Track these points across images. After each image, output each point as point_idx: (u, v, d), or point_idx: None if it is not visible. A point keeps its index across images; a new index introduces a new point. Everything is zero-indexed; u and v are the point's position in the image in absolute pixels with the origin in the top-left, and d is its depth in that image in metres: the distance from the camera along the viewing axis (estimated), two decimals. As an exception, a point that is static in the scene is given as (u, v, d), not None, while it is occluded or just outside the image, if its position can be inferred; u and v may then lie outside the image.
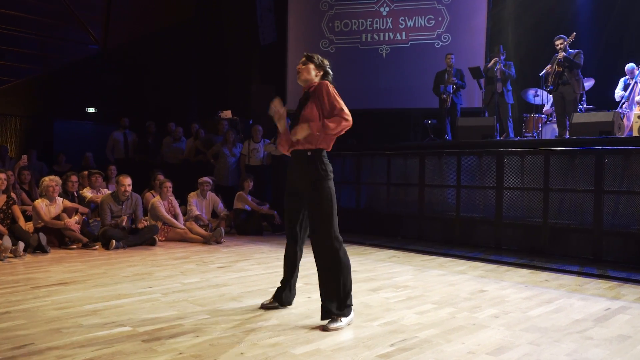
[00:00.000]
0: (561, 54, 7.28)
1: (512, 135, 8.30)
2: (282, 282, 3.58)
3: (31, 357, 2.58)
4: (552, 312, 3.62)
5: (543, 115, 8.46)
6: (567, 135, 7.10)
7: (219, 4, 12.35)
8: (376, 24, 10.67)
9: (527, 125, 8.14)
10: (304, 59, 3.41)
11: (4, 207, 6.09)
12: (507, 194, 6.40)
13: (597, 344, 2.95)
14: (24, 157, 7.39)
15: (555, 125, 8.04)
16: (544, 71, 7.88)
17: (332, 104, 3.26)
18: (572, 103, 7.32)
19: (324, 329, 3.07)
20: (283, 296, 3.56)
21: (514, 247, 6.21)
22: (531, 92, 8.65)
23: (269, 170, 8.72)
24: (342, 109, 3.24)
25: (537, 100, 8.52)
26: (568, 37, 7.31)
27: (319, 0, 10.94)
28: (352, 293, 3.28)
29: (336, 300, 3.18)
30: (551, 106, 8.71)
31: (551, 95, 8.60)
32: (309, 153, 3.29)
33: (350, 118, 3.24)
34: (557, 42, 7.39)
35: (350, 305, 3.23)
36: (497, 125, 8.35)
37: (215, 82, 12.23)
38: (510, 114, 8.36)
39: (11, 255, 5.42)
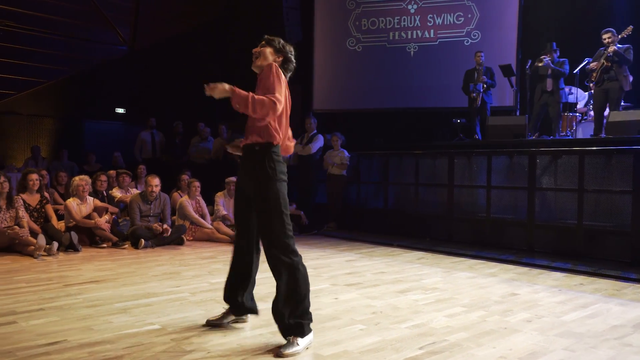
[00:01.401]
0: (612, 48, 6.98)
1: (557, 135, 8.02)
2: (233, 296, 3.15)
3: (64, 353, 2.65)
4: (588, 317, 3.54)
5: (577, 114, 8.26)
6: (604, 134, 6.92)
7: (245, 3, 12.45)
8: (404, 21, 10.60)
9: (562, 124, 7.96)
10: (262, 42, 3.03)
11: (38, 207, 6.27)
12: (540, 194, 6.28)
13: (636, 351, 2.87)
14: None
15: (590, 124, 7.85)
16: (579, 67, 7.70)
17: (269, 85, 2.82)
18: (615, 101, 7.07)
19: (277, 354, 2.66)
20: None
21: (547, 250, 6.09)
22: (566, 89, 8.46)
23: (296, 170, 8.75)
24: (277, 97, 2.79)
25: (572, 98, 8.32)
26: (618, 31, 7.03)
27: (346, -1, 10.92)
28: (379, 294, 3.23)
29: (292, 318, 2.77)
30: (585, 104, 8.51)
31: (586, 93, 8.41)
32: (256, 147, 2.88)
33: (278, 106, 2.79)
34: (605, 36, 7.07)
35: (309, 323, 2.82)
36: (539, 124, 8.18)
37: (241, 81, 12.30)
38: (562, 113, 7.99)
39: (45, 253, 5.57)
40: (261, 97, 2.78)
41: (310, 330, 2.82)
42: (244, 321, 3.22)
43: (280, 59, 3.00)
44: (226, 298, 3.17)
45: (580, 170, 5.87)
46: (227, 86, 2.82)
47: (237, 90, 2.80)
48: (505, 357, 2.73)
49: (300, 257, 2.90)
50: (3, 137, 10.19)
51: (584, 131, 8.02)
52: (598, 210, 5.78)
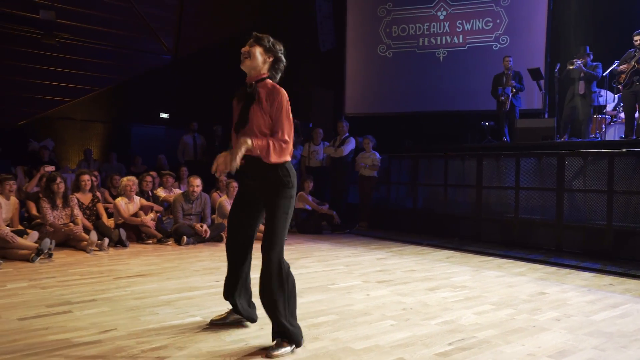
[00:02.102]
0: None
1: (586, 137, 7.78)
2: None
3: (114, 342, 2.72)
4: (618, 317, 3.42)
5: (607, 116, 8.01)
6: (634, 136, 6.68)
7: (281, 12, 12.55)
8: (433, 28, 10.49)
9: (591, 126, 7.73)
10: (251, 40, 2.76)
11: (90, 205, 6.47)
12: (568, 196, 6.12)
13: (666, 351, 2.77)
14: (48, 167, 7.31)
15: (618, 127, 7.60)
16: (610, 69, 7.46)
17: (280, 124, 2.65)
18: (645, 103, 6.84)
19: (267, 355, 2.54)
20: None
21: (576, 250, 5.92)
22: (597, 91, 8.20)
23: (328, 172, 8.77)
24: (287, 140, 2.64)
25: (601, 101, 8.07)
26: None
27: (377, 7, 10.88)
28: (410, 291, 3.19)
29: (289, 321, 2.65)
30: (615, 107, 8.25)
31: (616, 96, 8.14)
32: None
33: (290, 147, 2.69)
34: (637, 37, 6.81)
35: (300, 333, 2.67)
36: (568, 126, 7.96)
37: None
38: (592, 115, 7.76)
39: (97, 248, 5.74)
40: (278, 144, 2.62)
41: (300, 337, 2.65)
42: (252, 321, 3.05)
43: (271, 59, 2.76)
44: (226, 297, 3.01)
45: (609, 171, 5.69)
46: (244, 147, 2.57)
47: (256, 142, 2.59)
48: (534, 355, 2.67)
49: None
50: (59, 140, 10.54)
51: (614, 133, 7.76)
52: (628, 211, 5.59)
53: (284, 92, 2.70)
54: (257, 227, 2.95)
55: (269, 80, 2.77)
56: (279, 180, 2.69)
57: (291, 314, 2.68)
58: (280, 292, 2.63)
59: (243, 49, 2.77)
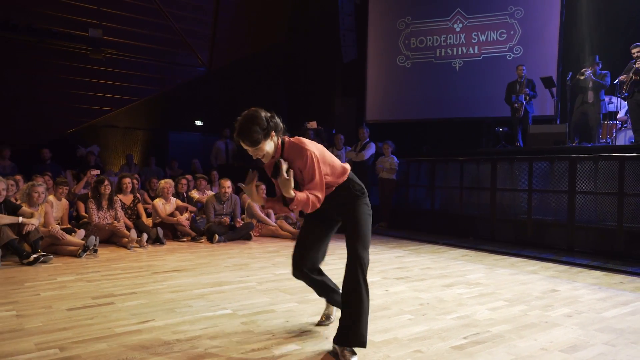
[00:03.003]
0: (639, 63, 6.63)
1: (597, 142, 7.58)
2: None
3: (152, 331, 2.77)
4: (628, 314, 3.32)
5: (617, 122, 7.79)
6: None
7: (307, 27, 12.60)
8: (450, 39, 10.38)
9: (602, 131, 7.53)
10: (246, 143, 2.40)
11: (131, 205, 6.59)
12: (580, 198, 5.97)
13: (676, 348, 2.67)
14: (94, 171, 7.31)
15: (629, 132, 7.39)
16: (618, 79, 7.29)
17: (314, 181, 2.47)
18: (648, 110, 6.67)
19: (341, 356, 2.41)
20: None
21: (587, 250, 5.76)
22: (606, 99, 8.00)
23: (350, 175, 8.74)
24: (321, 196, 2.49)
25: (611, 107, 7.85)
26: None
27: (397, 20, 10.83)
28: (426, 287, 3.15)
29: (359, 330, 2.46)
30: (626, 113, 8.02)
31: (626, 102, 7.93)
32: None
33: (322, 199, 2.50)
34: (635, 50, 6.72)
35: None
36: (578, 132, 7.79)
37: (302, 96, 12.50)
38: (601, 122, 7.57)
39: (137, 245, 5.84)
40: (315, 198, 2.45)
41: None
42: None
43: (273, 132, 2.44)
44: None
45: (620, 174, 5.53)
46: (292, 192, 2.41)
47: (298, 196, 2.42)
48: (547, 349, 2.61)
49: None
50: (103, 146, 10.79)
51: (624, 138, 7.55)
52: (638, 213, 5.42)
53: (308, 148, 2.47)
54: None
55: (286, 145, 2.52)
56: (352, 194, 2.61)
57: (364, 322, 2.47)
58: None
59: (253, 155, 2.48)
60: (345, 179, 2.62)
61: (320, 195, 2.48)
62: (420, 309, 3.33)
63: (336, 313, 2.92)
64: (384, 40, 10.98)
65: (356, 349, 2.45)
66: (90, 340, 2.60)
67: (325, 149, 2.64)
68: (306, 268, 2.73)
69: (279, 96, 12.99)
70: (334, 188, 2.60)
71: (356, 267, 2.48)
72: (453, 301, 3.57)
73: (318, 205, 2.49)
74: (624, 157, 5.55)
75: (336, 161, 2.63)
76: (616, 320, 3.15)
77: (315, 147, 2.52)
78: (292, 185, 2.41)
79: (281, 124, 2.50)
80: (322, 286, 2.82)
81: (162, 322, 2.94)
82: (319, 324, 2.96)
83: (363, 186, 2.69)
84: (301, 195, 2.43)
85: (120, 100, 11.19)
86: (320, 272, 2.82)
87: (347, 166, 2.68)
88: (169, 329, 2.81)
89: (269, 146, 2.46)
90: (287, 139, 2.55)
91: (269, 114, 2.46)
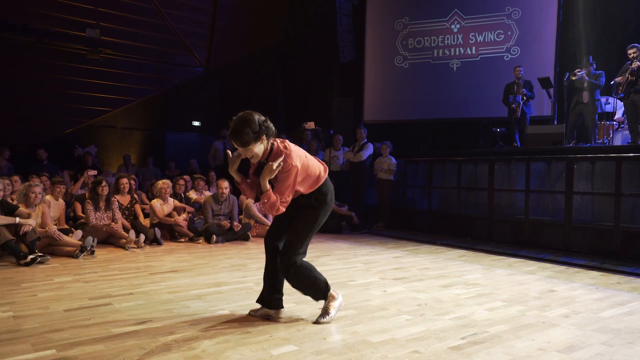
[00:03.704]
0: (635, 64, 6.66)
1: (593, 142, 7.62)
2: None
3: (150, 332, 2.76)
4: (625, 314, 3.33)
5: (614, 123, 7.81)
6: (640, 141, 6.52)
7: (304, 27, 12.61)
8: (447, 40, 10.40)
9: (599, 132, 7.55)
10: (237, 143, 2.60)
11: (129, 206, 6.58)
12: (577, 198, 5.98)
13: (673, 348, 2.68)
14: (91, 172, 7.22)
15: (626, 132, 7.41)
16: (615, 79, 7.31)
17: (284, 188, 2.72)
18: (644, 111, 6.70)
19: (316, 322, 2.93)
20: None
21: (584, 250, 5.78)
22: (602, 99, 8.03)
23: (348, 175, 8.75)
24: (287, 202, 2.75)
25: (608, 108, 7.88)
26: None
27: (394, 21, 10.84)
28: (424, 288, 3.16)
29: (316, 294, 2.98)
30: (623, 114, 8.05)
31: (622, 103, 7.96)
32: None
33: (282, 210, 2.77)
34: (631, 51, 6.75)
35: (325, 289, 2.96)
36: (575, 133, 7.82)
37: (299, 96, 12.50)
38: (597, 122, 7.61)
39: (134, 246, 5.83)
40: (280, 204, 2.71)
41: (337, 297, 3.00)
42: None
43: (263, 136, 2.62)
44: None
45: (617, 175, 5.55)
46: (267, 186, 2.67)
47: (271, 193, 2.67)
48: (544, 349, 2.61)
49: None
50: (101, 147, 10.76)
51: (621, 139, 7.57)
52: (635, 213, 5.44)
53: (293, 163, 2.67)
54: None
55: (274, 150, 2.71)
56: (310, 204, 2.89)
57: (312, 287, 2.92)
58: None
59: (242, 154, 2.69)
60: (312, 190, 2.85)
61: (285, 202, 2.74)
62: (418, 310, 3.33)
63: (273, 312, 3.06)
64: (381, 41, 10.99)
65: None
66: (88, 341, 2.59)
67: (309, 158, 2.86)
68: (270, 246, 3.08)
69: (276, 96, 12.98)
70: (298, 195, 2.85)
71: (284, 259, 2.87)
72: (451, 301, 3.58)
73: (282, 210, 2.74)
74: (621, 158, 5.56)
75: (313, 172, 2.83)
76: (613, 321, 3.16)
77: (299, 161, 2.73)
78: (271, 177, 2.66)
79: (273, 128, 2.67)
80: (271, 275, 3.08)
81: (159, 323, 2.93)
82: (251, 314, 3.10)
83: (327, 196, 2.89)
84: (273, 196, 2.68)
85: (117, 100, 11.17)
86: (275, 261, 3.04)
87: (323, 175, 2.88)
88: (166, 329, 2.80)
89: (258, 148, 2.64)
90: (276, 144, 2.73)
91: (262, 118, 2.63)
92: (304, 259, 2.93)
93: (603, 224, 5.70)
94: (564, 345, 2.68)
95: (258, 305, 3.13)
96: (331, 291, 3.02)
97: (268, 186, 2.69)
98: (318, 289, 2.95)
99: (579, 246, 5.85)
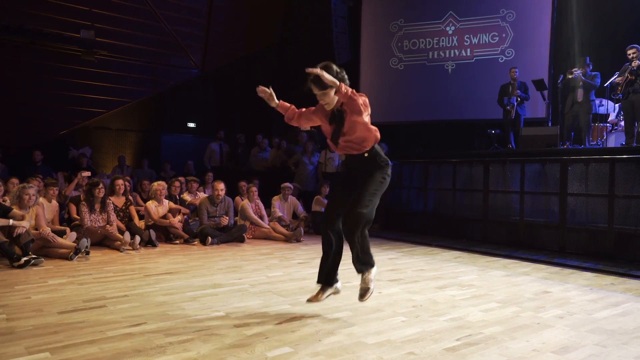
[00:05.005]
0: (635, 63, 6.68)
1: (587, 144, 7.67)
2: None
3: (145, 334, 2.75)
4: (619, 315, 3.34)
5: (608, 124, 7.86)
6: (635, 143, 6.55)
7: (300, 29, 12.62)
8: (442, 42, 10.43)
9: (592, 133, 7.60)
10: (318, 88, 2.89)
11: (123, 207, 6.55)
12: (571, 200, 6.01)
13: (666, 348, 2.70)
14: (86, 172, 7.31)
15: (619, 134, 7.46)
16: (609, 81, 7.36)
17: (358, 108, 2.93)
18: (642, 112, 6.73)
19: (362, 295, 3.01)
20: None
21: (579, 251, 5.81)
22: (596, 101, 8.07)
23: (344, 177, 8.73)
24: (362, 112, 2.94)
25: (602, 110, 7.93)
26: None
27: (390, 23, 10.87)
28: (419, 289, 3.18)
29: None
30: (616, 115, 8.10)
31: (616, 105, 8.02)
32: (365, 154, 3.04)
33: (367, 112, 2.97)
34: (630, 52, 6.77)
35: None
36: (572, 134, 7.86)
37: (295, 98, 12.48)
38: (592, 123, 7.66)
39: (129, 247, 5.81)
40: (349, 92, 2.84)
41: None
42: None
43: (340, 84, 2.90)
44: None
45: (611, 176, 5.58)
46: (332, 79, 2.78)
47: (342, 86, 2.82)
48: (539, 351, 2.62)
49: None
50: (96, 148, 10.71)
51: (615, 141, 7.62)
52: (629, 214, 5.47)
53: (356, 94, 2.89)
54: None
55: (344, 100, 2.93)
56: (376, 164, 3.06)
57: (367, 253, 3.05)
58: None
59: (319, 99, 2.96)
60: (374, 142, 3.03)
61: (360, 102, 2.86)
62: (414, 311, 3.34)
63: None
64: (377, 43, 11.01)
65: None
66: (82, 344, 2.57)
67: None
68: (331, 230, 3.16)
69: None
70: (365, 147, 3.01)
71: (354, 212, 2.93)
72: (446, 303, 3.58)
73: (358, 101, 2.85)
74: (615, 159, 5.60)
75: (372, 126, 3.04)
76: (607, 321, 3.17)
77: (366, 99, 2.96)
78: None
79: (347, 80, 2.97)
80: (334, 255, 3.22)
81: (154, 325, 2.92)
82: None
83: (387, 159, 3.14)
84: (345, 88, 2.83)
85: (112, 102, 11.13)
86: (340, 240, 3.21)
87: (378, 136, 3.08)
88: (161, 332, 2.79)
89: (333, 95, 2.91)
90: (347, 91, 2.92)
91: (339, 69, 2.96)
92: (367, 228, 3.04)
93: (597, 226, 5.73)
94: (559, 346, 2.69)
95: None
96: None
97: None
98: (371, 256, 3.09)
99: (574, 247, 5.88)
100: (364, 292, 3.01)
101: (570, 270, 5.00)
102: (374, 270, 3.09)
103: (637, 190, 5.39)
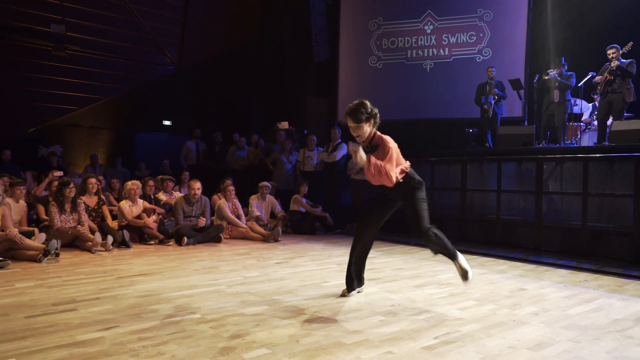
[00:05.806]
0: (615, 63, 6.85)
1: (562, 143, 7.84)
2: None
3: (117, 338, 2.70)
4: (592, 311, 3.43)
5: (582, 124, 8.05)
6: (607, 142, 6.73)
7: (278, 26, 12.57)
8: (421, 41, 10.54)
9: (567, 133, 7.77)
10: (352, 119, 3.35)
11: (96, 207, 6.42)
12: (547, 198, 6.14)
13: (637, 343, 2.77)
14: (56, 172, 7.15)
15: (593, 133, 7.65)
16: (584, 80, 7.53)
17: (384, 155, 3.37)
18: (618, 111, 6.90)
19: (465, 277, 3.45)
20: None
21: (554, 249, 5.93)
22: (571, 101, 8.25)
23: (322, 176, 8.76)
24: (390, 170, 3.33)
25: (576, 109, 8.12)
26: (622, 47, 6.90)
27: (368, 21, 10.92)
28: (398, 288, 3.22)
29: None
30: (590, 115, 8.30)
31: (590, 104, 8.22)
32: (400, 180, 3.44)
33: (392, 177, 3.35)
34: (610, 52, 6.93)
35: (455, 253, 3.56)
36: (548, 133, 8.02)
37: (273, 96, 12.45)
38: (567, 123, 7.84)
39: (102, 249, 5.69)
40: (379, 165, 3.25)
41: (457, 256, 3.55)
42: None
43: (371, 121, 3.38)
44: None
45: (584, 175, 5.71)
46: (364, 157, 3.23)
47: (373, 160, 3.24)
48: (514, 347, 2.66)
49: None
50: (67, 147, 10.47)
51: (588, 140, 7.81)
52: (601, 212, 5.62)
53: (387, 140, 3.39)
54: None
55: (376, 136, 3.44)
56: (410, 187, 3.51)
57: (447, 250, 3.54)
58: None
59: (352, 132, 3.40)
60: (402, 176, 3.46)
61: (390, 169, 3.28)
62: (392, 310, 3.36)
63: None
64: (355, 41, 11.05)
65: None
66: (50, 349, 2.51)
67: (399, 152, 3.50)
68: (359, 246, 3.78)
69: (250, 96, 12.88)
70: (402, 175, 3.44)
71: (420, 231, 3.53)
72: (424, 301, 3.62)
73: (389, 175, 3.27)
74: (588, 158, 5.73)
75: (402, 161, 3.53)
76: (580, 317, 3.25)
77: (393, 145, 3.43)
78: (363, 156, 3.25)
79: (378, 120, 3.43)
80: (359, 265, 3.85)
81: (127, 328, 2.87)
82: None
83: (419, 180, 3.57)
84: (375, 161, 3.26)
85: (84, 98, 10.90)
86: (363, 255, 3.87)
87: (408, 167, 3.54)
88: (134, 335, 2.74)
89: (367, 129, 3.35)
90: (378, 133, 3.46)
91: (372, 108, 3.38)
92: (435, 230, 3.51)
93: (571, 223, 5.86)
94: (534, 342, 2.74)
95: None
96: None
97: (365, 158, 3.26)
98: (451, 250, 3.52)
99: (549, 245, 6.00)
100: (464, 276, 3.46)
101: (546, 268, 5.10)
102: (460, 257, 3.52)
103: (610, 189, 5.53)
